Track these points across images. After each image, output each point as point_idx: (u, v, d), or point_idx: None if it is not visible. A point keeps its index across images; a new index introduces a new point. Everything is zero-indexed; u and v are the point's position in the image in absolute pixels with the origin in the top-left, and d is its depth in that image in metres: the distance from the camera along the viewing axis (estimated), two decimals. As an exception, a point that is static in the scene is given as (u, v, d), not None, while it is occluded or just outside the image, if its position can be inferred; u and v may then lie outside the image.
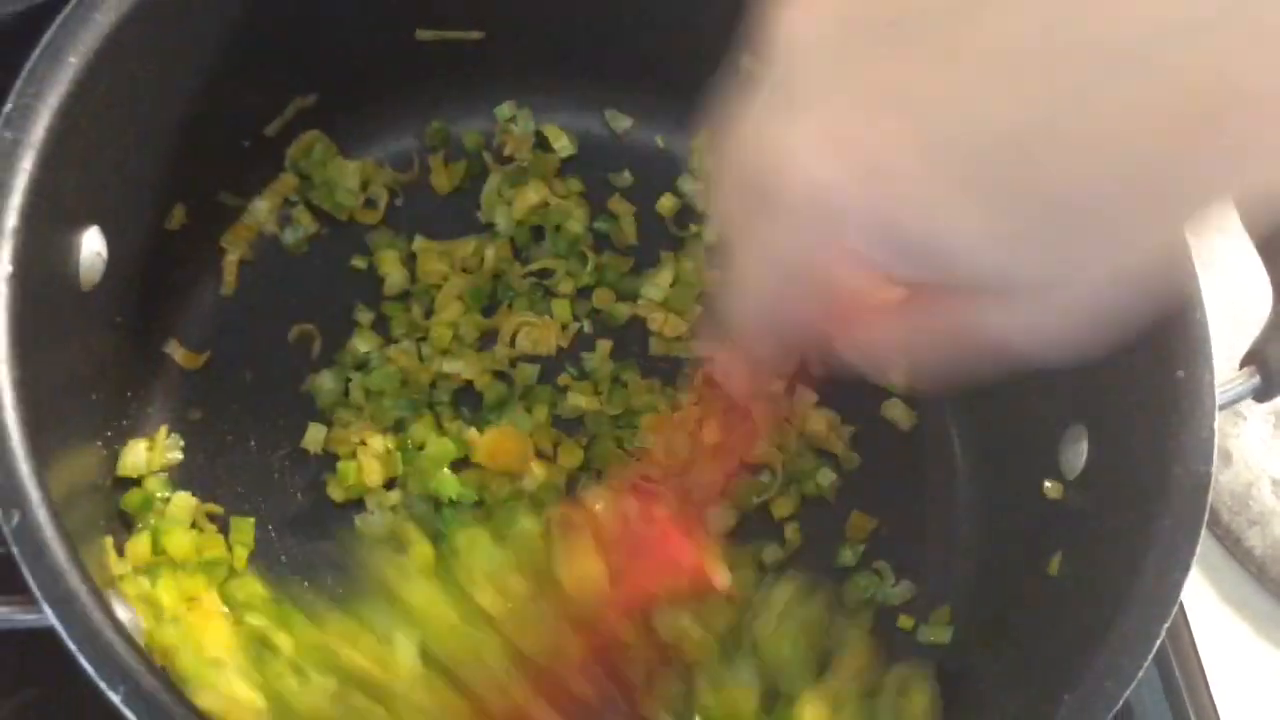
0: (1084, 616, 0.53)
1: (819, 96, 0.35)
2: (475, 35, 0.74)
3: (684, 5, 0.71)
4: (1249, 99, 0.30)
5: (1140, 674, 0.49)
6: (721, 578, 0.55)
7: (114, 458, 0.63)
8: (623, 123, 0.78)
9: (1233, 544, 0.78)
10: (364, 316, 0.70)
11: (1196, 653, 0.74)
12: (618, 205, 0.76)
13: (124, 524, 0.63)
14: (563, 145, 0.77)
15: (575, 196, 0.75)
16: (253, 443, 0.68)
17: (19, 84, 0.52)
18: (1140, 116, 0.31)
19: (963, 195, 0.34)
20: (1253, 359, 0.60)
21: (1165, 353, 0.56)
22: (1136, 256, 0.36)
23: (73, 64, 0.53)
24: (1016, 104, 0.32)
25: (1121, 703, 0.49)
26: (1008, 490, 0.68)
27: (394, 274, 0.72)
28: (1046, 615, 0.58)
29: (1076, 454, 0.62)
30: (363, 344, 0.69)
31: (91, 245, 0.58)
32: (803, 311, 0.41)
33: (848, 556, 0.69)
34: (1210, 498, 0.53)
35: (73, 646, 0.44)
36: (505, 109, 0.77)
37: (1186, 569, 0.51)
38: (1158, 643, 0.50)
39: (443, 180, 0.75)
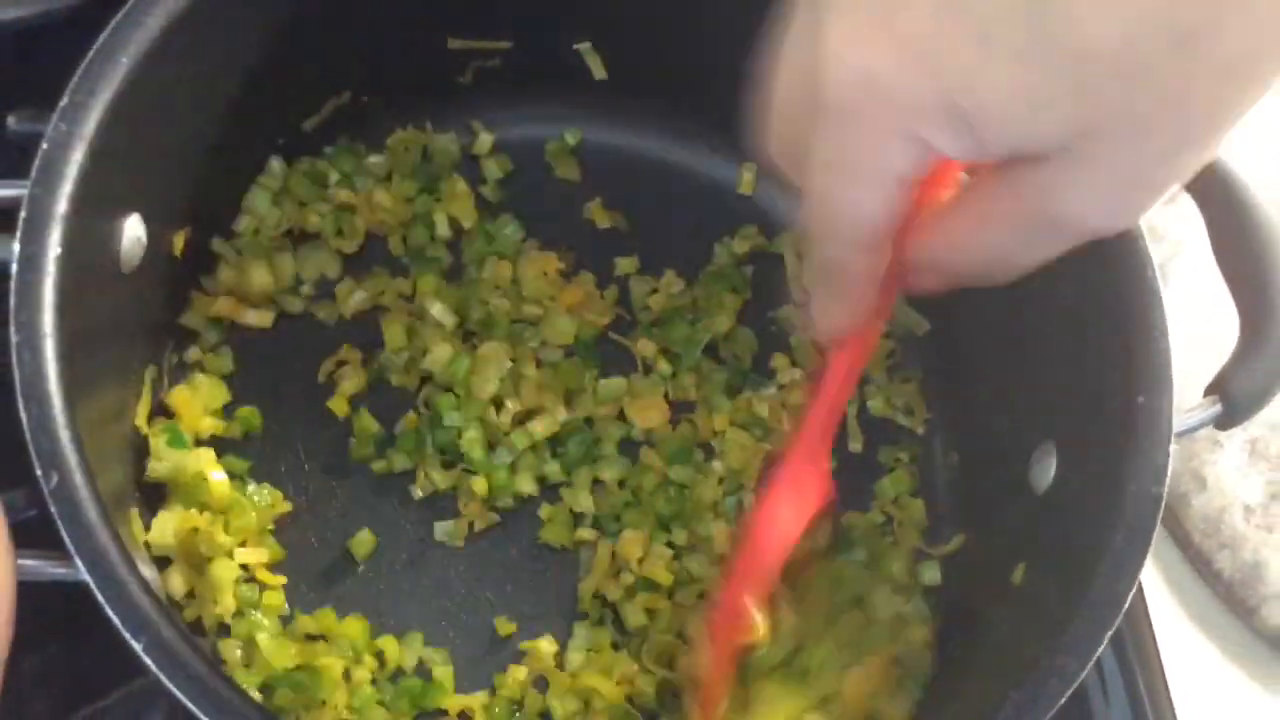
0: (1038, 621, 0.56)
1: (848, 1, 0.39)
2: (503, 45, 0.77)
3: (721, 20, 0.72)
4: None
5: (1083, 675, 0.52)
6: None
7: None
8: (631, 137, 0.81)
9: (1203, 566, 0.81)
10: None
11: (1163, 671, 0.77)
12: None
13: (150, 500, 0.67)
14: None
15: None
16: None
17: (74, 81, 0.56)
18: None
19: (998, 58, 0.37)
20: (1216, 389, 0.63)
21: (1129, 378, 0.59)
22: (1170, 117, 0.37)
23: (124, 64, 0.57)
24: None
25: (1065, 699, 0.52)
26: (981, 503, 0.72)
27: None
28: (1005, 619, 0.62)
29: (1045, 470, 0.65)
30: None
31: (133, 231, 0.62)
32: (876, 214, 0.42)
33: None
34: (1160, 516, 0.56)
35: (101, 598, 0.48)
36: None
37: (1134, 580, 0.55)
38: (1101, 648, 0.53)
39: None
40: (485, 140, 0.80)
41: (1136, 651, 0.76)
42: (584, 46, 0.79)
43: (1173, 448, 0.58)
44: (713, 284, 0.77)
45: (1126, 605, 0.54)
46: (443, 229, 0.77)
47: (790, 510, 0.57)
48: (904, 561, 0.71)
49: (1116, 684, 0.76)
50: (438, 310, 0.73)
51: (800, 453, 0.56)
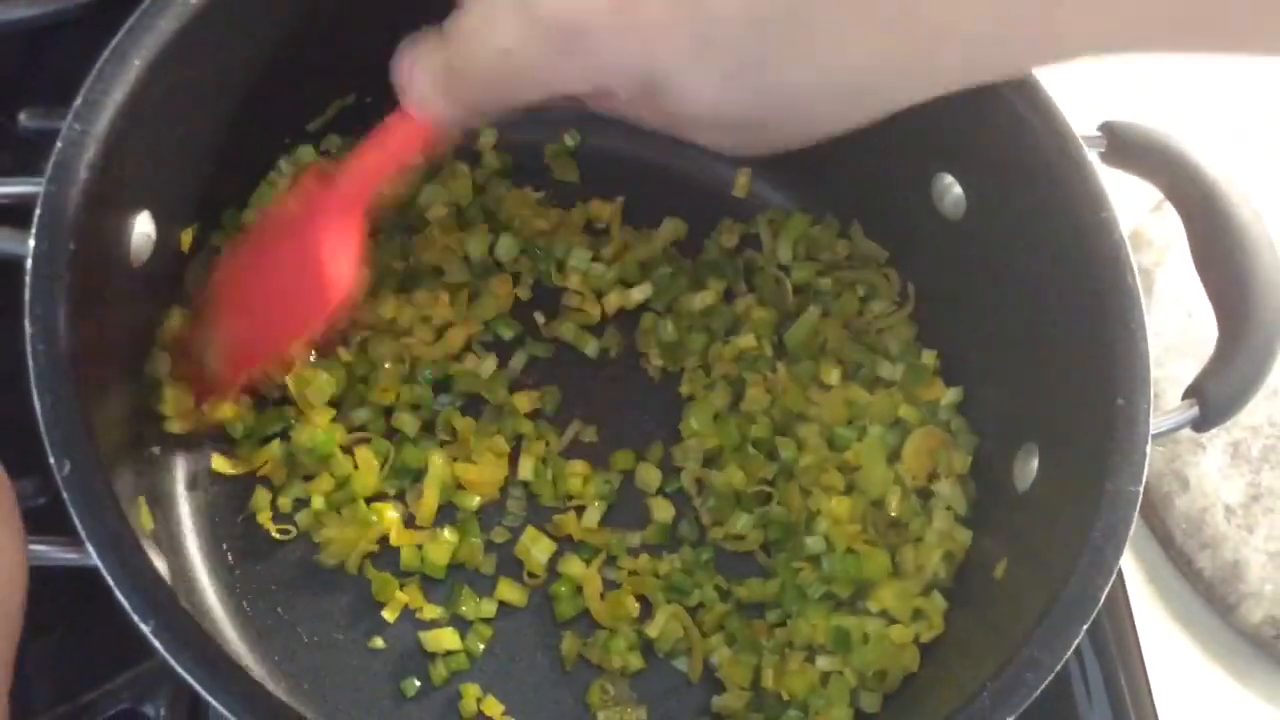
0: (1016, 615, 0.58)
1: None
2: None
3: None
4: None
5: (1058, 667, 0.54)
6: None
7: (154, 423, 0.69)
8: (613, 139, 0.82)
9: (1184, 565, 0.82)
10: None
11: (1144, 666, 0.78)
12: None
13: (155, 494, 0.69)
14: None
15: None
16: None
17: (88, 81, 0.58)
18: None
19: (705, 52, 0.47)
20: (1194, 392, 0.65)
21: (1109, 381, 0.61)
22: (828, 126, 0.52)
23: (136, 65, 0.58)
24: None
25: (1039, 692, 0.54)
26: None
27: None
28: (985, 612, 0.64)
29: (1028, 470, 0.67)
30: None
31: (142, 228, 0.63)
32: (519, 95, 0.54)
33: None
34: (1136, 514, 0.58)
35: (111, 582, 0.50)
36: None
37: (1110, 576, 0.56)
38: (1077, 640, 0.55)
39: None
40: (488, 136, 0.81)
41: (1118, 647, 0.78)
42: None
43: (1155, 449, 0.60)
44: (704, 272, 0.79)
45: (1102, 600, 0.56)
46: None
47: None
48: None
49: (1098, 678, 0.77)
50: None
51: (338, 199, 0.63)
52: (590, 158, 0.82)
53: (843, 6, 0.46)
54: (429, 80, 0.57)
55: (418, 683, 0.68)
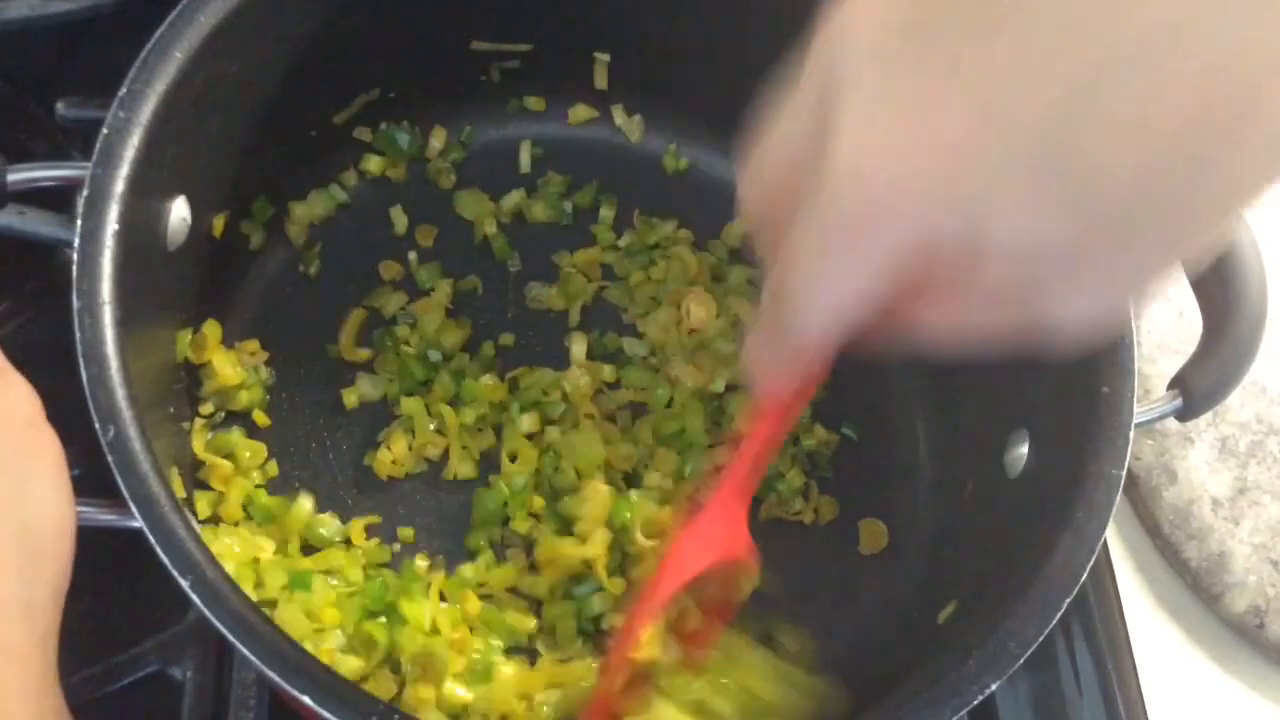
0: (1002, 587, 0.61)
1: (868, 97, 0.37)
2: (524, 48, 0.82)
3: (734, 27, 0.78)
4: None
5: (1039, 639, 0.57)
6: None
7: (185, 398, 0.72)
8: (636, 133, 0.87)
9: (1171, 555, 0.85)
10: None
11: (1131, 653, 0.81)
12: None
13: (186, 465, 0.72)
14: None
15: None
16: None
17: (132, 72, 0.61)
18: (1167, 99, 0.32)
19: (1010, 177, 0.35)
20: (1178, 383, 0.68)
21: (1095, 370, 0.64)
22: (1172, 247, 0.37)
23: (178, 57, 0.61)
24: (1047, 88, 0.34)
25: (1023, 661, 0.57)
26: (960, 484, 0.77)
27: None
28: (974, 586, 0.67)
29: (1019, 456, 0.70)
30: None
31: (179, 212, 0.66)
32: (853, 311, 0.40)
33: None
34: (1118, 496, 0.61)
35: (152, 539, 0.53)
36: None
37: (1092, 553, 0.59)
38: (1059, 614, 0.58)
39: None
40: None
41: (1106, 634, 0.80)
42: (602, 56, 0.84)
43: (1146, 443, 0.62)
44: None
45: (1084, 576, 0.59)
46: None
47: (697, 547, 0.57)
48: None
49: (1087, 664, 0.79)
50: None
51: (719, 500, 0.56)
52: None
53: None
54: (757, 363, 0.47)
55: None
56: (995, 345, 0.41)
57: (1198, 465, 0.86)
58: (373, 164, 0.83)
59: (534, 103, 0.86)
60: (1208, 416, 0.84)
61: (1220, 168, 0.34)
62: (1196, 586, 0.85)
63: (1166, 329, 0.88)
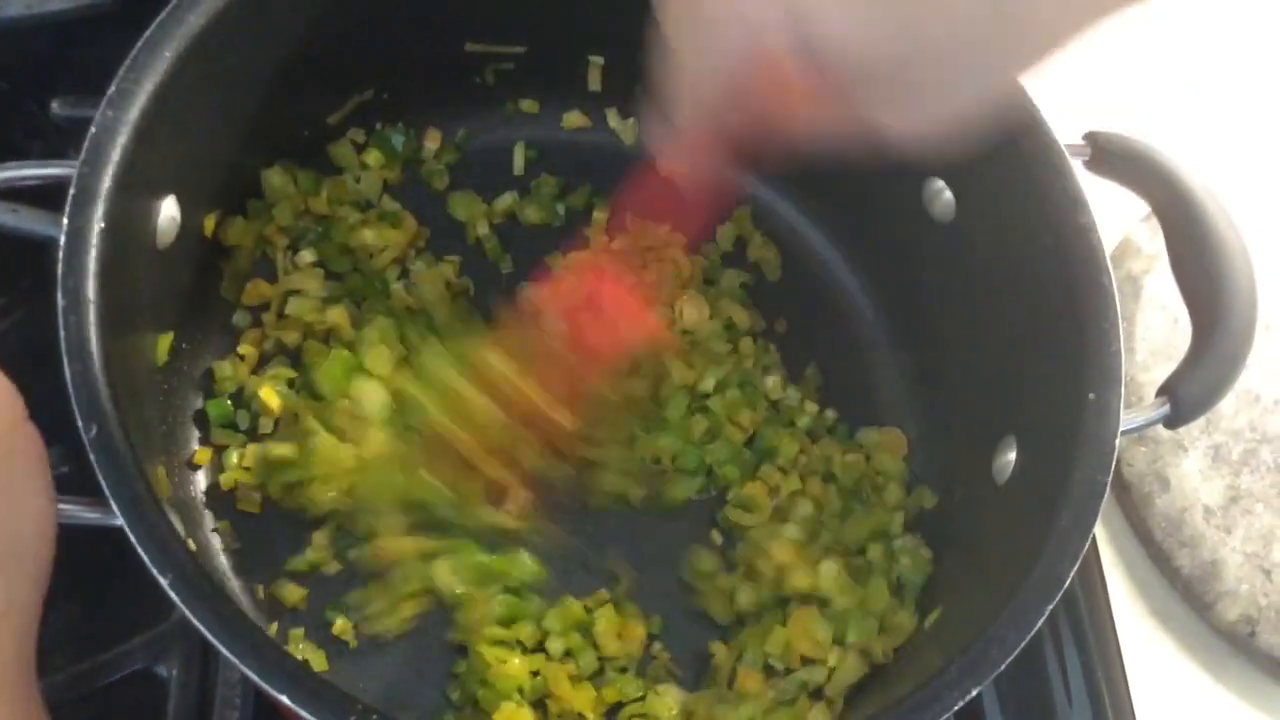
0: (986, 594, 0.61)
1: None
2: (518, 49, 0.82)
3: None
4: None
5: (1022, 645, 0.57)
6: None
7: (172, 394, 0.72)
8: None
9: (1163, 563, 0.84)
10: None
11: (1122, 661, 0.81)
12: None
13: (175, 457, 0.73)
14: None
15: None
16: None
17: (121, 71, 0.61)
18: None
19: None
20: (1166, 391, 0.68)
21: (1082, 377, 0.64)
22: (978, 84, 0.48)
23: (167, 57, 0.62)
24: None
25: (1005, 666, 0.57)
26: (949, 490, 0.77)
27: None
28: (961, 591, 0.67)
29: (1007, 462, 0.70)
30: None
31: (168, 211, 0.66)
32: (719, 86, 0.51)
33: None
34: (1103, 503, 0.61)
35: (133, 538, 0.53)
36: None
37: (1076, 560, 0.59)
38: (1041, 620, 0.57)
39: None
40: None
41: (1097, 642, 0.80)
42: (596, 59, 0.84)
43: (1138, 451, 0.62)
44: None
45: (1068, 583, 0.58)
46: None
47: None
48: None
49: (1077, 673, 0.79)
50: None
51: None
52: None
53: None
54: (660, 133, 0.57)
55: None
56: (842, 144, 0.51)
57: (1190, 473, 0.86)
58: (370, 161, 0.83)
59: (528, 105, 0.86)
60: (1200, 424, 0.84)
61: (1026, 16, 0.44)
62: (1188, 595, 0.84)
63: (1160, 337, 0.88)
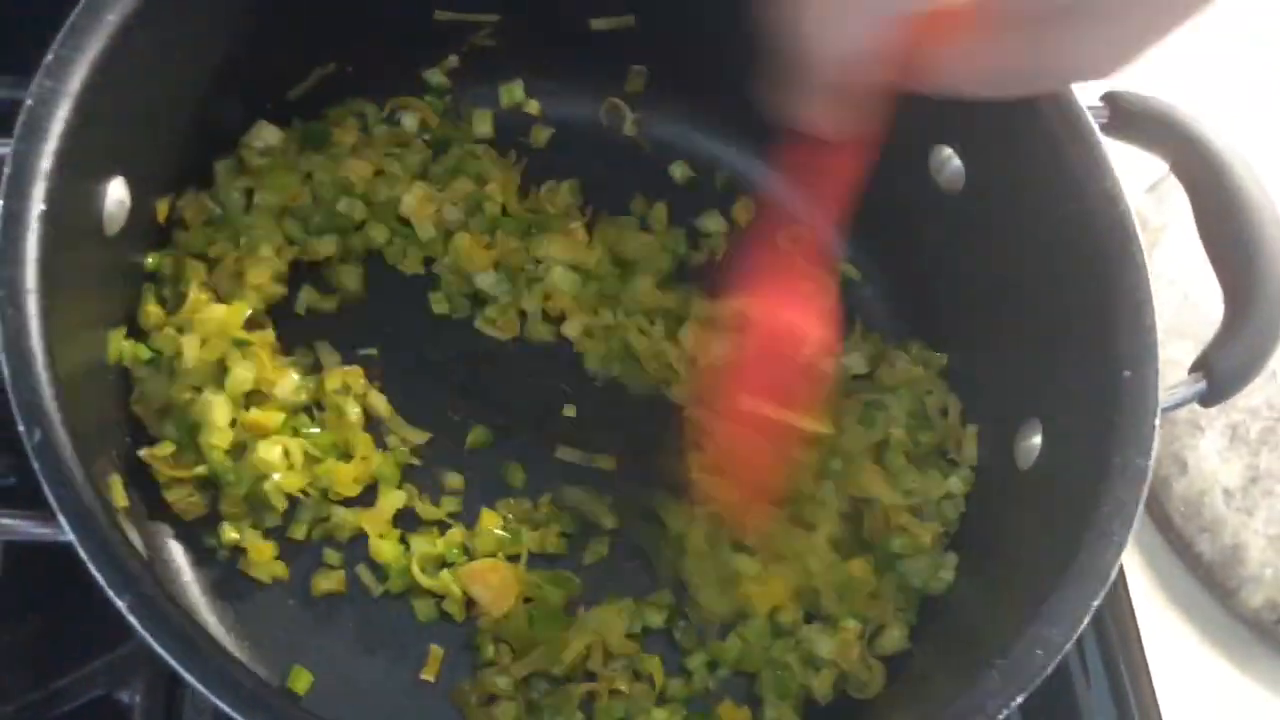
0: (1024, 591, 0.57)
1: None
2: (492, 18, 0.78)
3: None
4: None
5: (1068, 646, 0.52)
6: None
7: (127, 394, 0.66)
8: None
9: (1183, 549, 0.82)
10: None
11: (1143, 651, 0.78)
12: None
13: (133, 470, 0.67)
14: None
15: None
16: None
17: (60, 36, 0.56)
18: None
19: None
20: (1201, 366, 0.64)
21: (1115, 354, 0.59)
22: (1156, 24, 0.45)
23: (111, 21, 0.56)
24: None
25: (1050, 670, 0.52)
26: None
27: None
28: (994, 589, 0.62)
29: (1030, 447, 0.66)
30: None
31: (116, 194, 0.61)
32: (865, 46, 0.48)
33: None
34: (1146, 488, 0.56)
35: (85, 556, 0.47)
36: (515, 91, 0.81)
37: (1120, 550, 0.55)
38: (1088, 618, 0.53)
39: None
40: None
41: (1118, 632, 0.77)
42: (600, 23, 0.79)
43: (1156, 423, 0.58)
44: None
45: (1113, 576, 0.54)
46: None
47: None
48: None
49: (1097, 664, 0.77)
50: None
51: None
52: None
53: None
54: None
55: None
56: (998, 85, 0.50)
57: (1208, 454, 0.83)
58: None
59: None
60: (1217, 403, 0.81)
61: None
62: (1210, 582, 0.82)
63: (1171, 314, 0.84)
